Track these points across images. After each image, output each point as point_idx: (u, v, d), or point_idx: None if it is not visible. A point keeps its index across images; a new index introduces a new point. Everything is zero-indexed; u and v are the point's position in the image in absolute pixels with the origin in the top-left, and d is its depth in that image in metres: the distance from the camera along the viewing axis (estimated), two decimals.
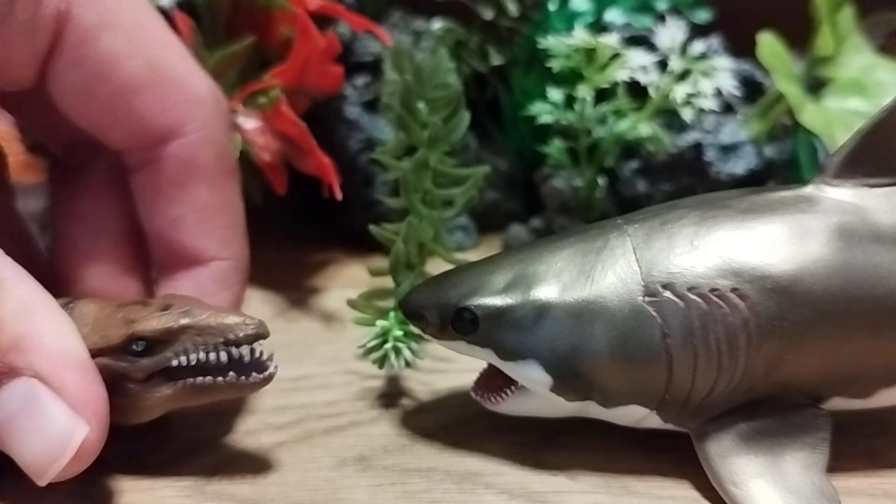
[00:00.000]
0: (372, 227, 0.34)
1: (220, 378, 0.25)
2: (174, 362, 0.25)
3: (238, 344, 0.25)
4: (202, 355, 0.25)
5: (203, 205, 0.29)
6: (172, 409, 0.26)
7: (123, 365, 0.25)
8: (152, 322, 0.25)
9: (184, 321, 0.25)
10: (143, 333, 0.25)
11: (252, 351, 0.26)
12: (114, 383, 0.25)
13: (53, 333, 0.24)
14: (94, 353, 0.25)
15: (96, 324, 0.25)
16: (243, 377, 0.25)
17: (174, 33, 0.29)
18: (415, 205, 0.35)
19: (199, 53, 0.36)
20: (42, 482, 0.23)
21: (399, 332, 0.31)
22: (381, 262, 0.34)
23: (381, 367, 0.31)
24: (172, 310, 0.25)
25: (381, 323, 0.31)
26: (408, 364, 0.31)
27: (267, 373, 0.26)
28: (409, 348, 0.31)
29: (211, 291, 0.29)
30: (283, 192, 0.38)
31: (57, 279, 0.30)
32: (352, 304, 0.33)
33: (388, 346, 0.31)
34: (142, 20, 0.27)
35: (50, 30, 0.25)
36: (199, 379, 0.25)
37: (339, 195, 0.37)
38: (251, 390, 0.26)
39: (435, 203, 0.36)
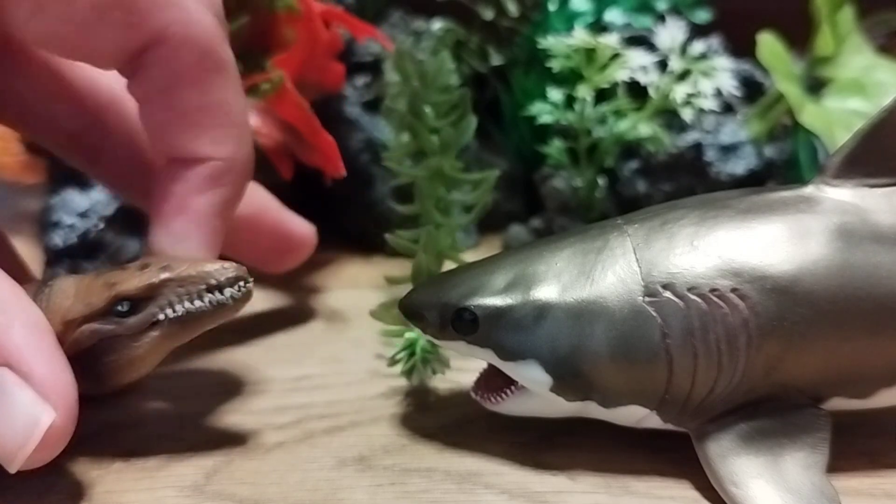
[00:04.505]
0: (388, 237, 0.34)
1: (199, 303, 0.26)
2: (160, 316, 0.26)
3: (220, 288, 0.26)
4: (187, 304, 0.26)
5: (191, 107, 0.28)
6: (168, 353, 0.27)
7: (112, 327, 0.25)
8: (133, 281, 0.26)
9: (164, 275, 0.26)
10: (126, 293, 0.25)
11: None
12: (103, 344, 0.25)
13: (23, 321, 0.24)
14: (81, 321, 0.25)
15: (78, 294, 0.26)
16: (222, 297, 0.26)
17: None
18: (429, 212, 0.35)
19: None
20: (11, 469, 0.23)
21: (426, 343, 0.31)
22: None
23: (408, 378, 0.31)
24: (151, 267, 0.26)
25: (408, 335, 0.31)
26: (435, 372, 0.31)
27: (245, 289, 0.26)
28: (439, 360, 0.31)
29: (200, 188, 0.28)
30: (289, 177, 0.38)
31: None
32: (375, 315, 0.33)
33: (416, 357, 0.31)
34: None
35: None
36: (180, 309, 0.26)
37: (342, 172, 0.36)
38: (234, 310, 0.27)
39: (448, 209, 0.36)
